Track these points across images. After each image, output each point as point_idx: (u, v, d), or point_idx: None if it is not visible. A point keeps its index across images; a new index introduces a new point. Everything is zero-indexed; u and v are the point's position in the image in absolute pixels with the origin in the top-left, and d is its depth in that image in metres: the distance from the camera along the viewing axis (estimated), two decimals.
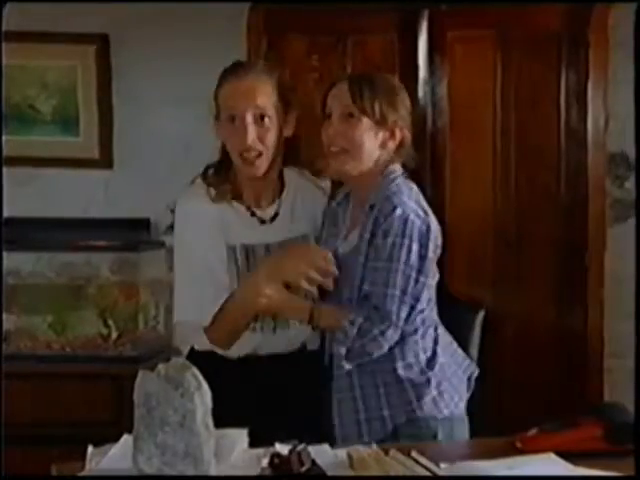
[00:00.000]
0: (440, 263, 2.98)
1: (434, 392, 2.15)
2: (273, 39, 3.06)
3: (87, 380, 3.10)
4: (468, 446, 1.95)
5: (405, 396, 2.14)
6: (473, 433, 2.17)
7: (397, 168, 2.20)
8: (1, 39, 3.00)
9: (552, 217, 3.03)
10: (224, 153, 2.28)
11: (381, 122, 2.16)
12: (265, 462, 1.75)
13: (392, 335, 2.10)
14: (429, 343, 2.19)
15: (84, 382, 3.10)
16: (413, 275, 2.10)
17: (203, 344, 2.24)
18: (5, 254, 2.95)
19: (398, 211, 2.08)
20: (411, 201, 2.13)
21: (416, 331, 2.16)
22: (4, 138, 3.28)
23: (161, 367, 1.77)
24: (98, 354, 3.19)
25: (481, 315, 2.55)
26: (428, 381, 2.14)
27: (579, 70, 2.98)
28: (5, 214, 3.25)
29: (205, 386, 1.78)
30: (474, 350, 2.46)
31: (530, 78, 3.00)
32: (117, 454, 1.84)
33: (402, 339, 2.14)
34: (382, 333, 2.08)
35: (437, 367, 2.17)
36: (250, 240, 2.26)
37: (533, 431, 1.91)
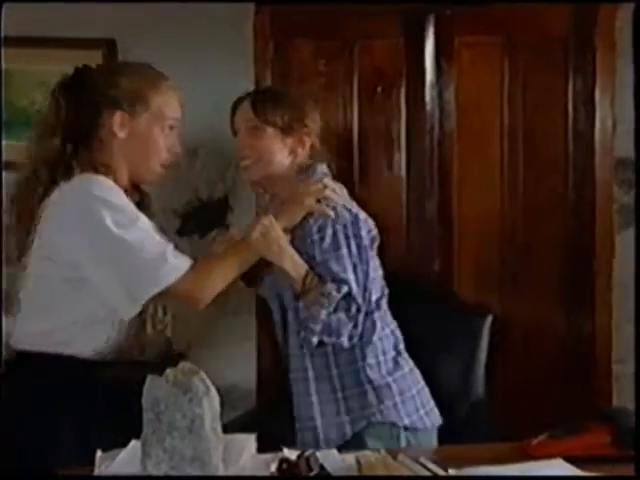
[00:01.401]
0: (447, 268, 3.01)
1: (397, 398, 2.16)
2: (280, 44, 3.06)
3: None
4: (477, 451, 1.94)
5: (365, 399, 2.16)
6: (482, 438, 2.17)
7: (320, 169, 2.28)
8: (0, 39, 3.02)
9: (560, 222, 3.02)
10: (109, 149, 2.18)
11: (287, 131, 2.27)
12: (273, 467, 1.76)
13: (362, 320, 2.13)
14: (388, 346, 2.21)
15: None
16: (357, 262, 2.16)
17: None
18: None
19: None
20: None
21: (374, 329, 2.17)
22: (10, 143, 3.29)
23: (169, 372, 1.78)
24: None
25: (489, 320, 2.55)
26: (389, 385, 2.16)
27: (586, 74, 2.98)
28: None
29: (213, 390, 1.78)
30: (482, 355, 2.47)
31: (537, 82, 3.00)
32: (125, 458, 1.84)
33: (360, 339, 2.16)
34: (356, 314, 2.11)
35: (399, 374, 2.19)
36: None
37: (542, 437, 1.91)
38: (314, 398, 2.18)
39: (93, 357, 2.16)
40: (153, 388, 1.76)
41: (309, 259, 2.17)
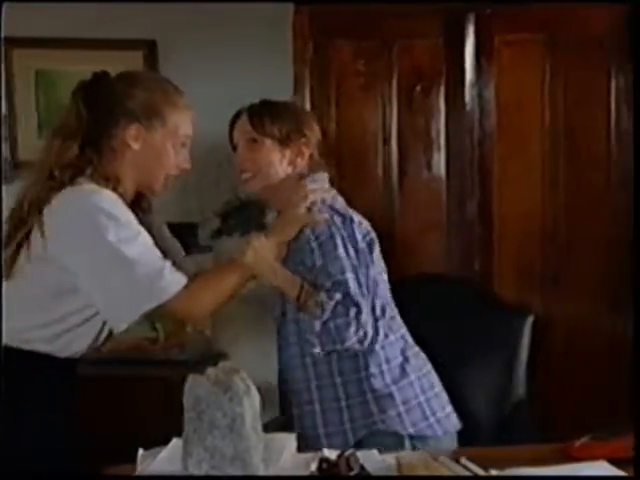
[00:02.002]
0: (488, 267, 2.99)
1: (400, 407, 2.14)
2: (319, 44, 3.06)
3: (135, 383, 3.12)
4: (519, 452, 1.93)
5: (367, 408, 2.14)
6: (523, 439, 2.15)
7: (320, 178, 2.27)
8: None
9: (601, 220, 2.99)
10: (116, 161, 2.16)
11: (285, 142, 2.26)
12: (314, 466, 1.76)
13: (366, 320, 2.09)
14: (393, 353, 2.19)
15: (132, 385, 3.12)
16: (356, 264, 2.14)
17: None
18: None
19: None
20: (325, 206, 2.22)
21: (376, 338, 2.15)
22: None
23: (210, 371, 1.79)
24: (146, 357, 3.21)
25: (530, 319, 2.53)
26: (392, 395, 2.14)
27: (627, 72, 2.94)
28: None
29: (254, 390, 1.79)
30: (524, 355, 2.45)
31: (578, 80, 2.97)
32: (167, 457, 1.86)
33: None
34: (357, 316, 2.08)
35: (405, 382, 2.17)
36: None
37: (585, 438, 1.89)
38: (317, 406, 2.18)
39: (73, 356, 2.15)
40: (194, 387, 1.77)
41: (309, 268, 2.15)
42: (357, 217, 2.23)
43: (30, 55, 3.46)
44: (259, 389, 1.82)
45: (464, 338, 2.55)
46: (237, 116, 2.34)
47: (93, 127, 2.11)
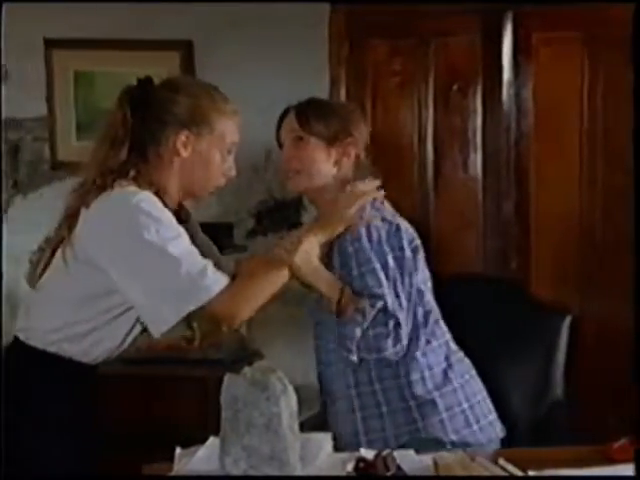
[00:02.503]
0: (525, 268, 2.98)
1: (443, 414, 2.13)
2: (355, 43, 3.05)
3: (172, 382, 3.15)
4: (557, 453, 1.91)
5: (409, 415, 2.13)
6: (561, 440, 2.13)
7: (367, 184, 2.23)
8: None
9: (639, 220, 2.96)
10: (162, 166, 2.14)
11: (331, 141, 2.23)
12: (350, 466, 1.76)
13: (404, 333, 2.08)
14: (436, 360, 2.17)
15: (169, 384, 3.14)
16: (397, 275, 2.11)
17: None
18: None
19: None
20: (373, 210, 2.18)
21: (417, 345, 2.15)
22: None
23: (247, 370, 1.80)
24: (183, 357, 3.23)
25: (568, 320, 2.51)
26: (434, 402, 2.12)
27: None
28: None
29: (290, 389, 1.79)
30: (561, 355, 2.43)
31: (618, 80, 2.94)
32: (204, 456, 1.87)
33: (404, 355, 2.13)
34: (395, 327, 2.07)
35: (448, 389, 2.15)
36: None
37: (623, 440, 1.87)
38: (358, 414, 2.17)
39: (95, 361, 2.13)
40: (231, 386, 1.78)
41: (346, 273, 2.14)
42: (404, 224, 2.21)
43: (69, 56, 3.49)
44: (295, 389, 1.83)
45: (501, 338, 2.54)
46: (285, 113, 2.32)
47: (139, 133, 2.10)
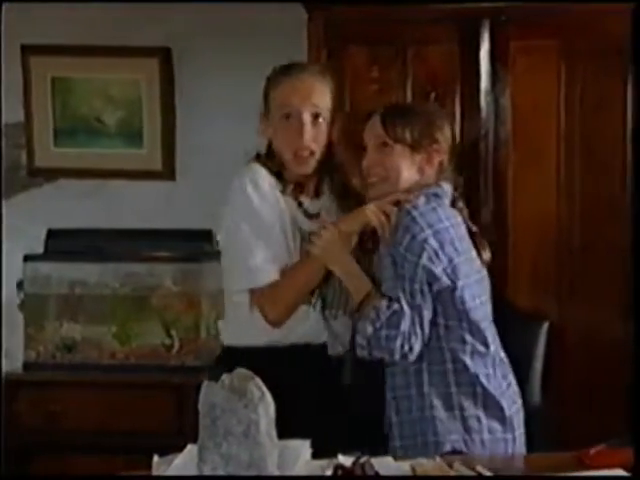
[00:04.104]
0: (503, 274, 2.99)
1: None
2: (333, 50, 3.06)
3: (150, 390, 3.14)
4: (533, 460, 1.92)
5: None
6: (538, 447, 2.14)
7: (439, 192, 2.19)
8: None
9: (617, 227, 2.97)
10: (270, 150, 2.31)
11: (416, 148, 2.19)
12: (328, 473, 1.76)
13: (413, 335, 2.07)
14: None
15: (147, 391, 3.13)
16: (423, 286, 2.09)
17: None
18: (72, 264, 3.02)
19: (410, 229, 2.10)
20: (424, 219, 2.11)
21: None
22: (73, 151, 3.39)
23: (225, 377, 1.79)
24: (161, 364, 3.22)
25: (545, 327, 2.52)
26: (478, 418, 2.11)
27: None
28: (71, 225, 3.32)
29: (268, 396, 1.78)
30: (538, 363, 2.43)
31: (594, 88, 2.96)
32: (182, 464, 1.86)
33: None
34: (411, 332, 2.06)
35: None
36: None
37: (600, 446, 1.88)
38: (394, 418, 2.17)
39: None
40: (209, 393, 1.77)
41: (379, 275, 2.15)
42: (440, 239, 2.12)
43: (46, 62, 3.48)
44: None
45: None
46: (368, 117, 2.27)
47: None
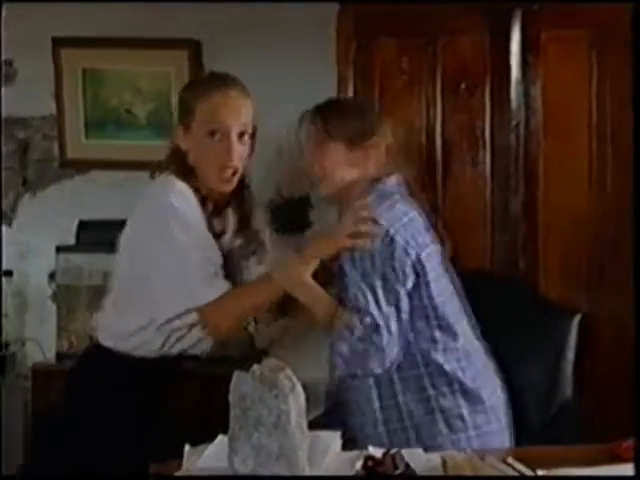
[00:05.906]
0: (533, 266, 2.97)
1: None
2: (362, 43, 3.05)
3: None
4: (565, 452, 1.91)
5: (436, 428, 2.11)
6: (570, 439, 2.13)
7: (389, 184, 2.21)
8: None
9: None
10: (186, 163, 2.22)
11: (352, 144, 2.19)
12: (359, 465, 1.76)
13: (389, 346, 2.06)
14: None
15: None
16: (387, 290, 2.08)
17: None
18: (103, 256, 3.02)
19: None
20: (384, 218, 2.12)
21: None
22: (102, 142, 3.41)
23: (256, 368, 1.79)
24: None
25: (577, 319, 2.51)
26: (462, 417, 2.11)
27: None
28: (103, 217, 3.34)
29: (299, 387, 1.79)
30: (570, 354, 2.42)
31: (626, 78, 2.93)
32: (212, 454, 1.87)
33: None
34: (388, 342, 2.06)
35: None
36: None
37: (632, 439, 1.87)
38: (381, 428, 2.16)
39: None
40: (240, 384, 1.77)
41: (343, 289, 2.14)
42: (405, 235, 2.14)
43: (77, 55, 3.50)
44: (303, 387, 1.83)
45: (509, 337, 2.53)
46: (304, 116, 2.29)
47: None
